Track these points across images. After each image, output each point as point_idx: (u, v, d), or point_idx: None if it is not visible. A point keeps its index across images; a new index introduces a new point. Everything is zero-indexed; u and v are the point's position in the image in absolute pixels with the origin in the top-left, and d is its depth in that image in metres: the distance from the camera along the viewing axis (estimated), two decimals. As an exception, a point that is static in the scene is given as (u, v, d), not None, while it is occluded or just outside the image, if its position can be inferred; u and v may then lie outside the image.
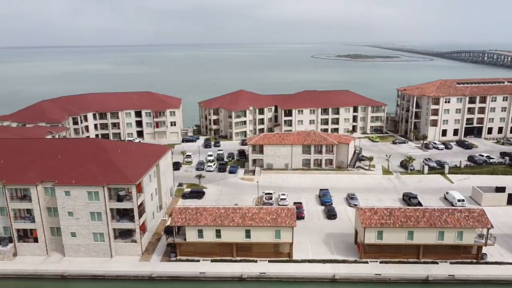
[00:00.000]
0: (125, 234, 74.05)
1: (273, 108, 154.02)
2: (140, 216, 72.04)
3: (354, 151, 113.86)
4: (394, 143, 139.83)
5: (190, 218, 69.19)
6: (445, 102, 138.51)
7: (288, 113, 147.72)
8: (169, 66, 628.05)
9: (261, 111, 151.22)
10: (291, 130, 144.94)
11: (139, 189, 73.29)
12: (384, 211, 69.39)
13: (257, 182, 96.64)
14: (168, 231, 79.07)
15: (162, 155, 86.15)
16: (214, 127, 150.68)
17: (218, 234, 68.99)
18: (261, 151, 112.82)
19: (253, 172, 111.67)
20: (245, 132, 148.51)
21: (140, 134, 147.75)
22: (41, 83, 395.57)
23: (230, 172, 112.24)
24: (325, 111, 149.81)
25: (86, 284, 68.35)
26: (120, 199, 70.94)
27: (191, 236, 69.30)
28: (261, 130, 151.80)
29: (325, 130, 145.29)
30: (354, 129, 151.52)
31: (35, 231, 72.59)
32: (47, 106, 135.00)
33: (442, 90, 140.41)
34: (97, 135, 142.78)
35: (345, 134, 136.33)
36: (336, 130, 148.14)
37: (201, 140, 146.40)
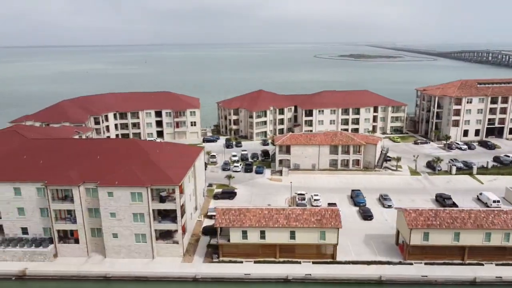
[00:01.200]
0: (165, 235, 73.74)
1: (292, 108, 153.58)
2: (181, 217, 71.59)
3: (381, 151, 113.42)
4: (415, 143, 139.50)
5: (234, 219, 68.76)
6: (467, 102, 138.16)
7: (309, 113, 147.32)
8: (171, 66, 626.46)
9: (281, 111, 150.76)
10: (311, 131, 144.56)
11: (180, 190, 72.94)
12: (429, 212, 69.02)
13: (291, 182, 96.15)
14: (206, 231, 79.00)
15: (197, 156, 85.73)
16: (234, 127, 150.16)
17: (262, 235, 68.59)
18: (288, 152, 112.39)
19: (280, 172, 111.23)
20: (265, 132, 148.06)
21: (160, 134, 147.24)
22: (41, 82, 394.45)
23: (257, 172, 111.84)
24: (345, 111, 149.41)
25: (129, 285, 67.96)
26: (162, 200, 70.50)
27: (235, 237, 68.88)
28: (281, 131, 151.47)
29: (345, 130, 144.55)
30: (374, 129, 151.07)
31: (76, 232, 72.13)
32: (68, 106, 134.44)
33: (464, 91, 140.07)
34: (117, 135, 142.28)
35: (371, 134, 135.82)
36: (356, 130, 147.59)
37: (221, 140, 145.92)
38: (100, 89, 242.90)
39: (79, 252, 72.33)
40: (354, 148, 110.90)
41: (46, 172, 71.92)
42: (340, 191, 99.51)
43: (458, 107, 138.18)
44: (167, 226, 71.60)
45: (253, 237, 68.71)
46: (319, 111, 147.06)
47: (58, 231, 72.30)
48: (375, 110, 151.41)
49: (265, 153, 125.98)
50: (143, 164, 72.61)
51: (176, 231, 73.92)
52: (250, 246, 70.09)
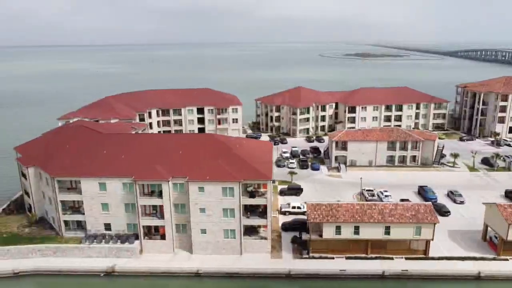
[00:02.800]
0: (249, 231, 72.57)
1: (333, 105, 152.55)
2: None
3: (437, 147, 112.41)
4: (461, 140, 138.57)
5: (327, 214, 67.70)
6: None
7: (351, 110, 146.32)
8: (177, 65, 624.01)
9: (323, 108, 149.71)
10: (354, 127, 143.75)
11: (265, 186, 71.90)
12: (524, 207, 68.01)
13: (361, 178, 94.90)
14: (286, 227, 78.00)
15: (271, 151, 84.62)
16: (276, 124, 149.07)
17: (356, 230, 67.50)
18: (344, 148, 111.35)
19: (337, 169, 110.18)
20: (308, 129, 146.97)
21: (201, 131, 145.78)
22: (41, 82, 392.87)
23: (313, 169, 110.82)
24: (387, 108, 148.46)
25: (221, 281, 66.88)
26: (252, 195, 69.39)
27: (328, 232, 67.80)
28: (322, 128, 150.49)
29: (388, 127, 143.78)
30: (416, 126, 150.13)
31: (162, 228, 70.98)
32: (114, 103, 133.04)
33: (509, 87, 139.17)
34: (159, 132, 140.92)
35: (426, 130, 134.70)
36: (398, 127, 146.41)
37: (263, 137, 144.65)
38: (114, 89, 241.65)
39: (165, 248, 71.14)
40: (412, 144, 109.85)
41: (131, 167, 70.76)
42: (404, 188, 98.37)
43: (504, 103, 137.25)
44: (255, 221, 70.49)
45: (347, 233, 67.64)
46: (362, 107, 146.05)
47: (143, 227, 71.11)
48: (417, 107, 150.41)
49: (316, 150, 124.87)
50: (229, 159, 71.45)
51: (259, 226, 73.13)
52: (341, 242, 69.05)
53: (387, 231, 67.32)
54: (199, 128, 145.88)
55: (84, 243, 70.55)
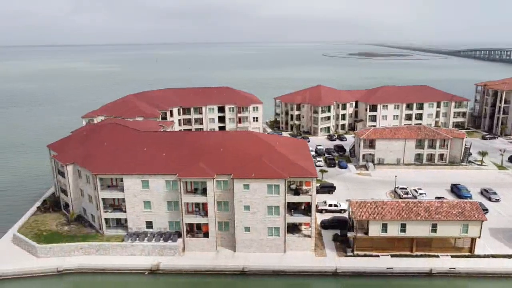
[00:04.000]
0: (291, 229, 72.14)
1: (353, 103, 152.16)
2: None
3: (465, 145, 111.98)
4: (484, 138, 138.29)
5: (373, 212, 67.30)
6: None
7: (373, 108, 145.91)
8: (181, 64, 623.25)
9: (344, 106, 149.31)
10: (375, 126, 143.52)
11: (307, 183, 71.60)
12: None
13: (395, 176, 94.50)
14: (325, 225, 77.61)
15: (308, 148, 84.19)
16: (297, 122, 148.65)
17: (402, 228, 67.09)
18: (372, 146, 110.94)
19: (365, 167, 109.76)
20: (328, 127, 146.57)
21: (221, 129, 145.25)
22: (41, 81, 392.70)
23: (341, 167, 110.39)
24: (408, 107, 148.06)
25: (266, 279, 66.45)
26: (297, 192, 68.99)
27: (374, 230, 67.38)
28: (343, 126, 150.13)
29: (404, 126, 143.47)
30: (436, 124, 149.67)
31: (205, 226, 70.57)
32: (136, 101, 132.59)
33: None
34: (180, 131, 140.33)
35: (454, 128, 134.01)
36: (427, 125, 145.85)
37: (284, 135, 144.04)
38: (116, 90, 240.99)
39: (208, 246, 70.71)
40: (441, 142, 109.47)
41: (173, 164, 70.37)
42: (435, 185, 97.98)
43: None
44: (299, 219, 70.08)
45: (393, 230, 67.24)
46: (383, 106, 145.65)
47: (186, 224, 70.66)
48: (438, 106, 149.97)
49: (340, 148, 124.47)
50: (272, 156, 71.10)
51: (300, 224, 72.85)
52: (385, 240, 68.65)
53: (434, 229, 66.92)
54: (219, 127, 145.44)
55: (127, 241, 70.07)
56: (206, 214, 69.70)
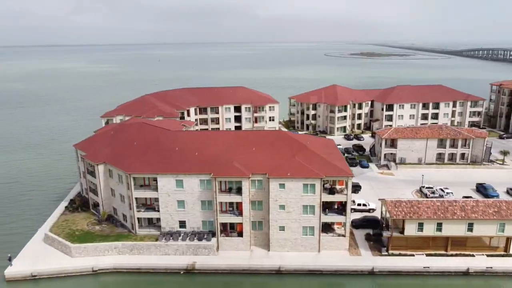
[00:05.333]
0: (324, 228, 71.99)
1: (369, 102, 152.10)
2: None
3: (486, 145, 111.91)
4: (501, 137, 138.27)
5: (409, 211, 67.20)
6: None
7: (389, 107, 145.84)
8: (183, 64, 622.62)
9: (360, 106, 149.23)
10: (391, 125, 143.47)
11: (340, 182, 71.61)
12: None
13: (422, 176, 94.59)
14: (356, 225, 77.49)
15: (336, 147, 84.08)
16: (313, 122, 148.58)
17: (439, 227, 67.00)
18: (393, 145, 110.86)
19: (386, 166, 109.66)
20: (345, 127, 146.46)
21: (237, 129, 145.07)
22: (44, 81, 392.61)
23: (362, 166, 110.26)
24: (424, 106, 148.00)
25: (300, 278, 66.33)
26: (332, 191, 68.88)
27: (410, 229, 67.30)
28: (358, 126, 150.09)
29: (424, 125, 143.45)
30: (452, 124, 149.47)
31: (240, 225, 70.45)
32: (154, 101, 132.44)
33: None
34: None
35: (475, 128, 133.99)
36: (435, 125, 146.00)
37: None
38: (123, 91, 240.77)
39: (241, 246, 70.58)
40: (463, 142, 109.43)
41: (207, 164, 70.23)
42: (459, 185, 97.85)
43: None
44: (334, 218, 70.03)
45: (429, 230, 67.16)
46: (400, 105, 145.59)
47: (220, 224, 70.54)
48: (454, 105, 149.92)
49: (359, 148, 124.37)
50: (305, 155, 70.98)
51: (332, 223, 72.80)
52: (420, 239, 68.56)
53: (470, 228, 66.85)
54: (235, 126, 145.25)
55: (161, 240, 69.92)
56: (240, 214, 69.58)
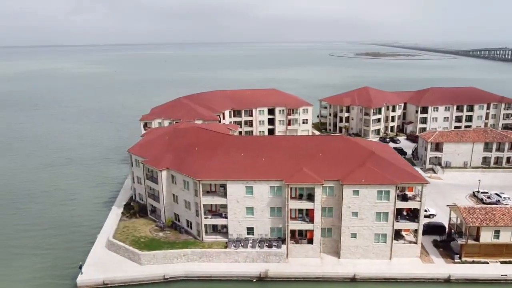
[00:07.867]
0: (394, 235, 71.01)
1: (402, 105, 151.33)
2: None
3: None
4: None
5: (485, 218, 66.41)
6: None
7: (423, 110, 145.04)
8: (190, 65, 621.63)
9: (393, 108, 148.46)
10: (425, 128, 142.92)
11: (410, 189, 70.77)
12: None
13: (479, 180, 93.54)
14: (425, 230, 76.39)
15: (395, 152, 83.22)
16: (346, 124, 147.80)
17: (516, 234, 66.17)
18: (438, 149, 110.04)
19: (432, 170, 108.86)
20: (379, 130, 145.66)
21: (270, 132, 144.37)
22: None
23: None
24: (458, 108, 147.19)
25: (372, 286, 65.38)
26: (404, 198, 68.06)
27: (486, 236, 66.52)
28: (392, 128, 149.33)
29: (458, 127, 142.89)
30: (485, 126, 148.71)
31: (310, 232, 69.62)
32: (190, 103, 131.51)
33: None
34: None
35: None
36: (469, 127, 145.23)
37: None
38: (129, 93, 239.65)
39: (311, 253, 69.75)
40: (508, 146, 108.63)
41: (277, 170, 69.38)
42: (510, 189, 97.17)
43: None
44: (406, 225, 69.29)
45: (505, 237, 66.37)
46: (434, 108, 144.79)
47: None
48: (488, 107, 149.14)
49: (399, 151, 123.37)
50: (375, 162, 70.10)
51: (401, 230, 71.87)
52: (494, 246, 67.72)
53: (547, 235, 66.00)
54: (269, 129, 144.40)
55: (230, 247, 69.08)
56: (311, 220, 68.72)
